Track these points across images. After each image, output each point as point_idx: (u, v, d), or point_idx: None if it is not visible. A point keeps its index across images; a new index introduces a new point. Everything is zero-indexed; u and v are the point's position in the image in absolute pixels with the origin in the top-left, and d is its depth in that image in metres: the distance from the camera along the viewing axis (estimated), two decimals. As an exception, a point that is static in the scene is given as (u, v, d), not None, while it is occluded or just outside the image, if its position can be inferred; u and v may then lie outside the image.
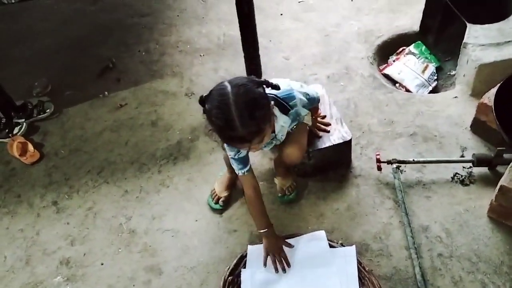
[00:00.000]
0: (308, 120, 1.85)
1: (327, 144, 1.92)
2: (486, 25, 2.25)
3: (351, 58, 2.59)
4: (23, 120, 2.43)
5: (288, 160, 1.79)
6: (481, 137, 2.06)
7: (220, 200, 1.93)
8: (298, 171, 2.00)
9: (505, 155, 1.85)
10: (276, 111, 1.58)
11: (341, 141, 1.93)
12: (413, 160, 1.94)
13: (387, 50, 2.68)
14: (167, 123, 2.36)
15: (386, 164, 1.94)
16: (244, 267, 1.70)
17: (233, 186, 1.99)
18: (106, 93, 2.58)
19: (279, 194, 1.93)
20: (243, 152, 1.61)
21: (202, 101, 1.41)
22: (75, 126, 2.42)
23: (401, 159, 1.95)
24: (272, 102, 1.48)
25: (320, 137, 1.94)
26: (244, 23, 2.23)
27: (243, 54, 2.43)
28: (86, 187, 2.11)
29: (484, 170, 1.94)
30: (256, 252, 1.72)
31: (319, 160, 1.96)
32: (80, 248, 1.89)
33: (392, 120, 2.21)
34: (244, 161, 1.64)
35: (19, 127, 2.41)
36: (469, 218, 1.80)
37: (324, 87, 2.17)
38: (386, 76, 2.54)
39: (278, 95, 1.59)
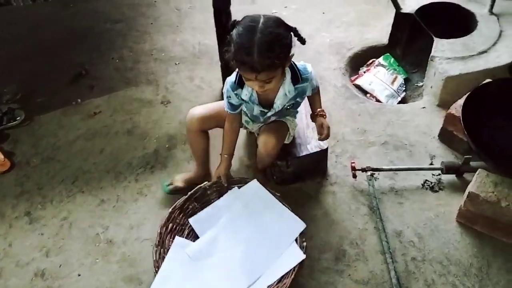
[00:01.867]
0: (293, 127, 1.91)
1: (305, 153, 1.97)
2: (452, 40, 2.38)
3: (324, 69, 2.66)
4: (-8, 128, 2.36)
5: (263, 149, 1.79)
6: (449, 145, 2.17)
7: (172, 186, 1.99)
8: (276, 178, 2.04)
9: (472, 163, 1.96)
10: (287, 73, 1.63)
11: (318, 149, 1.98)
12: (386, 168, 2.02)
13: (358, 62, 2.78)
14: (143, 131, 2.35)
15: (360, 171, 2.01)
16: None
17: (190, 184, 1.97)
18: (79, 100, 2.54)
19: None
20: (234, 99, 1.71)
21: (233, 24, 1.46)
22: (48, 134, 2.36)
23: (375, 166, 2.02)
24: (292, 53, 1.52)
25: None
26: (222, 33, 2.26)
27: (219, 63, 2.45)
28: (60, 197, 2.06)
29: (452, 177, 2.04)
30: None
31: (297, 168, 2.00)
32: (55, 259, 1.84)
33: (364, 129, 2.29)
34: (234, 107, 1.75)
35: (-13, 135, 2.33)
36: (439, 223, 1.89)
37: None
38: (357, 87, 2.63)
39: (296, 63, 1.65)
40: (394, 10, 2.69)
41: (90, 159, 2.22)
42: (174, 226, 1.78)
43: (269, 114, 1.79)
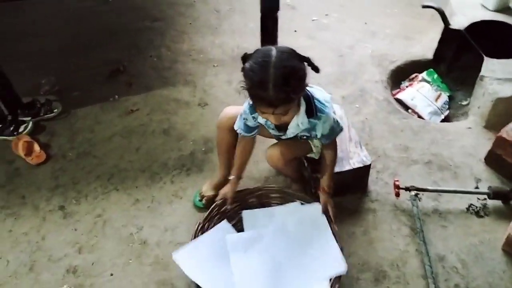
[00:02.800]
0: (315, 152, 1.84)
1: (347, 168, 1.91)
2: (504, 60, 2.30)
3: (365, 81, 2.61)
4: (30, 118, 2.35)
5: (269, 160, 1.78)
6: (495, 169, 2.09)
7: (204, 199, 1.94)
8: (316, 191, 1.98)
9: (521, 190, 1.88)
10: (302, 105, 1.57)
11: (361, 165, 1.92)
12: (431, 189, 1.95)
13: (400, 75, 2.71)
14: (179, 132, 2.32)
15: (404, 190, 1.94)
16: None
17: (220, 188, 1.92)
18: (116, 96, 2.52)
19: None
20: (251, 121, 1.67)
21: (244, 58, 1.43)
22: (84, 128, 2.35)
23: (418, 186, 1.95)
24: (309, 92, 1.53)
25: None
26: (267, 38, 2.23)
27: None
28: (95, 193, 2.04)
29: (498, 203, 1.96)
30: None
31: (337, 183, 1.93)
32: (88, 257, 1.82)
33: (407, 146, 2.22)
34: (249, 130, 1.71)
35: (25, 125, 2.33)
36: (484, 250, 1.81)
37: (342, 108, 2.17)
38: (399, 101, 2.56)
39: (314, 95, 1.60)
40: (439, 25, 2.62)
41: (126, 157, 2.20)
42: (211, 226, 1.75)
43: (283, 137, 1.74)
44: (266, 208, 1.83)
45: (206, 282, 1.57)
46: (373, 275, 1.74)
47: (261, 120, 1.65)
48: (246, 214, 1.81)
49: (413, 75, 2.69)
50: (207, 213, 1.75)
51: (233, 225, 1.79)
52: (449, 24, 2.54)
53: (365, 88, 2.55)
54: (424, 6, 2.55)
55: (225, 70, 2.70)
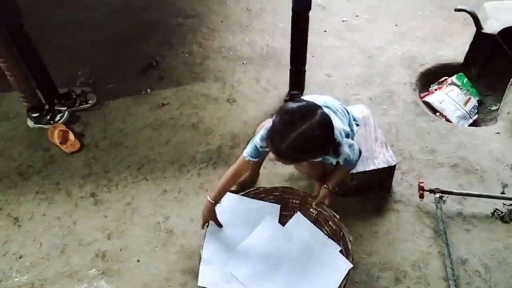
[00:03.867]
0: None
1: (371, 167, 1.93)
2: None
3: (393, 83, 2.60)
4: (65, 108, 2.45)
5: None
6: (525, 175, 2.06)
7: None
8: (339, 190, 2.00)
9: (550, 198, 1.85)
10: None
11: (385, 165, 1.93)
12: (456, 192, 1.94)
13: (429, 78, 2.69)
14: (207, 127, 2.38)
15: (428, 192, 1.94)
16: None
17: (243, 185, 2.00)
18: (148, 90, 2.60)
19: None
20: (264, 148, 1.63)
21: (291, 96, 1.45)
22: (117, 120, 2.44)
23: (444, 189, 1.95)
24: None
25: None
26: (297, 37, 2.26)
27: (285, 67, 2.45)
28: (125, 182, 2.12)
29: (525, 209, 1.94)
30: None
31: (361, 182, 1.96)
32: (117, 243, 1.90)
33: (433, 149, 2.21)
34: (257, 155, 1.66)
35: (60, 115, 2.43)
36: (508, 256, 1.80)
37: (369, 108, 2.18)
38: (427, 104, 2.54)
39: (349, 140, 1.64)
40: (471, 28, 2.59)
41: (155, 149, 2.27)
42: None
43: None
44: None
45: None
46: (394, 274, 1.75)
47: None
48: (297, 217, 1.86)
49: (443, 79, 2.67)
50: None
51: None
52: (481, 28, 2.51)
53: (393, 90, 2.55)
54: (457, 10, 2.52)
55: (254, 68, 2.74)
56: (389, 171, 1.98)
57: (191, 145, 2.28)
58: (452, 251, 1.80)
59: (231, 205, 1.81)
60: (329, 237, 1.77)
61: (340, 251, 1.71)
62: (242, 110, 2.47)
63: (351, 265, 1.64)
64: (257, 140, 1.63)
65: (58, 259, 1.86)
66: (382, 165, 1.94)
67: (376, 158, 1.96)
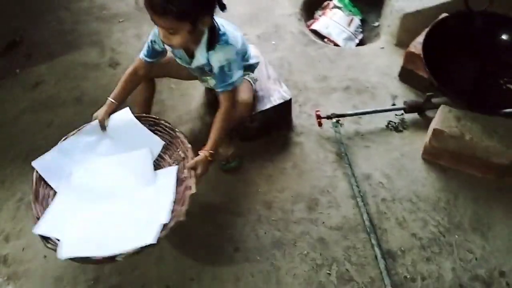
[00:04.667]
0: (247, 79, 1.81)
1: (268, 105, 1.91)
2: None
3: (279, 16, 2.56)
4: None
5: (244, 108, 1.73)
6: (410, 84, 2.17)
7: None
8: (241, 135, 1.97)
9: (434, 100, 1.97)
10: (204, 35, 1.53)
11: (281, 101, 1.92)
12: (351, 113, 2.00)
13: (312, 6, 2.68)
14: (92, 98, 2.19)
15: (326, 119, 1.98)
16: None
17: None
18: (17, 71, 2.31)
19: (222, 162, 1.90)
20: (158, 45, 1.61)
21: None
22: (-13, 111, 2.16)
23: (339, 113, 1.99)
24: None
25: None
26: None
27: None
28: (12, 177, 1.92)
29: (415, 115, 2.05)
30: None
31: (261, 122, 1.94)
32: (17, 244, 1.73)
33: (325, 76, 2.24)
34: (153, 54, 1.64)
35: None
36: (405, 162, 1.92)
37: (257, 47, 2.12)
38: (314, 32, 2.55)
39: (221, 28, 1.55)
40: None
41: (38, 134, 2.06)
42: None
43: (192, 66, 1.66)
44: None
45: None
46: (306, 204, 1.80)
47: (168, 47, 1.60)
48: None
49: (325, 3, 2.67)
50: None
51: None
52: None
53: (280, 24, 2.51)
54: None
55: (132, 25, 2.54)
56: (286, 106, 1.97)
57: (77, 121, 2.07)
58: (355, 170, 1.88)
59: (118, 122, 1.67)
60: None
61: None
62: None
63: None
64: (149, 38, 1.61)
65: (-47, 278, 1.67)
66: (278, 101, 1.93)
67: (272, 96, 1.94)
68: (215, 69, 1.59)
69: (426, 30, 1.96)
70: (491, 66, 1.94)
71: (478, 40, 1.95)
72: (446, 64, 1.93)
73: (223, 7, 1.46)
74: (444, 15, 2.06)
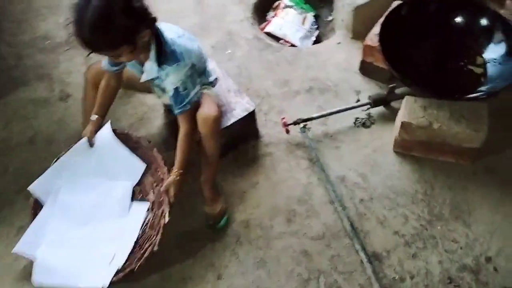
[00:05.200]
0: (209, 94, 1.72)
1: (232, 120, 1.83)
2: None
3: (230, 23, 2.48)
4: None
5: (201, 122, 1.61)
6: (371, 77, 2.14)
7: None
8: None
9: (397, 91, 1.94)
10: (152, 48, 1.46)
11: (245, 113, 1.85)
12: (317, 115, 1.95)
13: (263, 8, 2.62)
14: (46, 136, 2.06)
15: (292, 125, 1.93)
16: None
17: None
18: (-40, 118, 2.16)
19: (209, 222, 1.71)
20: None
21: None
22: None
23: (305, 117, 1.94)
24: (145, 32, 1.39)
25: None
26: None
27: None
28: (-33, 235, 1.78)
29: (381, 108, 2.02)
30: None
31: (228, 138, 1.86)
32: None
33: (286, 79, 2.18)
34: (114, 64, 1.61)
35: None
36: (378, 158, 1.89)
37: (213, 59, 2.05)
38: (269, 34, 2.49)
39: (168, 40, 1.49)
40: None
41: (-6, 183, 1.92)
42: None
43: (142, 80, 1.59)
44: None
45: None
46: (285, 216, 1.74)
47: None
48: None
49: (276, 3, 2.61)
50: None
51: None
52: None
53: (232, 31, 2.43)
54: None
55: (79, 52, 2.39)
56: (251, 117, 1.91)
57: (34, 163, 1.96)
58: (329, 173, 1.84)
59: (103, 142, 1.72)
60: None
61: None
62: (80, 103, 2.17)
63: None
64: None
65: None
66: (242, 114, 1.86)
67: (235, 109, 1.87)
68: (170, 92, 1.53)
69: (381, 20, 1.92)
70: (450, 50, 1.93)
71: (434, 25, 1.93)
72: (405, 53, 1.90)
73: (150, 24, 1.41)
74: (397, 3, 2.02)
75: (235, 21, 2.49)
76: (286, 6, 2.54)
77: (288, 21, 2.47)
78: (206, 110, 1.61)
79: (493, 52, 1.83)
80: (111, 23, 1.28)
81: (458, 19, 1.93)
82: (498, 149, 1.84)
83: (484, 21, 1.86)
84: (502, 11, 1.95)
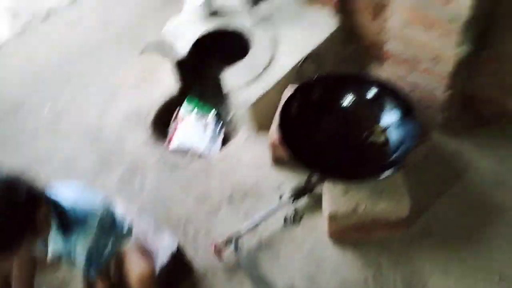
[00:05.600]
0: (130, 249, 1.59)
1: (158, 268, 1.68)
2: (236, 65, 2.27)
3: (131, 151, 2.33)
4: None
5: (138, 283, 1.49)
6: (287, 168, 2.07)
7: None
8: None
9: (313, 179, 1.91)
10: (53, 224, 1.33)
11: (169, 255, 1.72)
12: (245, 230, 1.86)
13: (163, 123, 2.52)
14: None
15: (224, 247, 1.81)
16: None
17: None
18: None
19: None
20: None
21: None
22: None
23: (234, 233, 1.84)
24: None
25: None
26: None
27: None
28: None
29: (305, 198, 1.97)
30: None
31: (161, 284, 1.70)
32: None
33: (204, 194, 2.09)
34: None
35: None
36: (318, 253, 1.83)
37: (119, 194, 1.92)
38: (176, 151, 2.38)
39: (69, 207, 1.35)
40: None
41: None
42: None
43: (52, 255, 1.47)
44: None
45: None
46: None
47: None
48: None
49: (175, 114, 2.54)
50: None
51: None
52: (176, 58, 2.44)
53: (135, 159, 2.30)
54: (144, 53, 2.39)
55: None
56: (179, 256, 1.77)
57: None
58: (278, 284, 1.73)
59: None
60: None
61: None
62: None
63: None
64: None
65: None
66: (166, 258, 1.72)
67: (158, 254, 1.72)
68: (84, 260, 1.42)
69: (276, 117, 1.92)
70: (349, 126, 1.94)
71: (328, 108, 1.96)
72: (308, 140, 1.89)
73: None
74: (288, 93, 2.02)
75: (135, 146, 2.36)
76: (186, 113, 2.48)
77: (190, 132, 2.41)
78: (137, 269, 1.50)
79: (389, 117, 1.88)
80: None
81: (348, 96, 1.96)
82: (425, 207, 1.85)
83: (371, 93, 1.91)
84: (382, 71, 2.04)
